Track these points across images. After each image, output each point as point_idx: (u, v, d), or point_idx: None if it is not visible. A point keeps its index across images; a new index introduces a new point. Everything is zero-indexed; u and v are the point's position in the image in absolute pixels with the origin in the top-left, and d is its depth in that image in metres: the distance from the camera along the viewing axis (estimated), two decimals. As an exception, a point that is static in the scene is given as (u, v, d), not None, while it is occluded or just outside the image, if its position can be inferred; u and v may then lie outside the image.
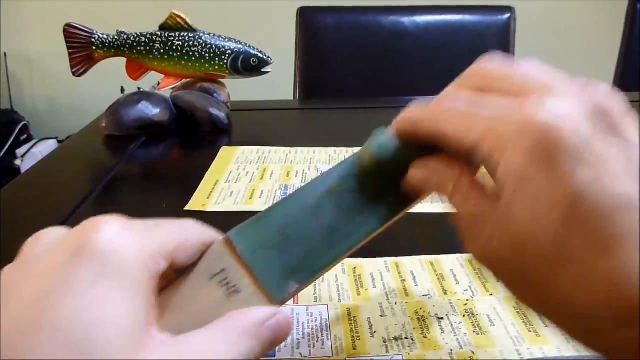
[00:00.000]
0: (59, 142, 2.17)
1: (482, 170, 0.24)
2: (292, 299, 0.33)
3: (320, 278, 0.41)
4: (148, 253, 0.21)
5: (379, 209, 0.27)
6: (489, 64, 0.25)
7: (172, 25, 0.77)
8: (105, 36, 0.78)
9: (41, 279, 0.19)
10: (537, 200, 0.20)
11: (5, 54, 2.21)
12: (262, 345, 0.22)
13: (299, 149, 0.69)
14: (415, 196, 0.27)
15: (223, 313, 0.22)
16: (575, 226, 0.20)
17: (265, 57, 0.79)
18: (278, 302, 0.24)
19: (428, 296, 0.39)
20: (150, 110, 0.75)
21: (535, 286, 0.21)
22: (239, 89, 0.94)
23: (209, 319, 0.22)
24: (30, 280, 0.19)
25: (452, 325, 0.36)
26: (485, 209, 0.23)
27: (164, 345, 0.20)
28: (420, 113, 0.25)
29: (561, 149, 0.20)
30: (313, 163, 0.65)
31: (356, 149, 0.75)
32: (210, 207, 0.54)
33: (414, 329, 0.35)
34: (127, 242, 0.20)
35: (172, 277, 0.24)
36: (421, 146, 0.26)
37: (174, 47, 0.77)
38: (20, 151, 2.08)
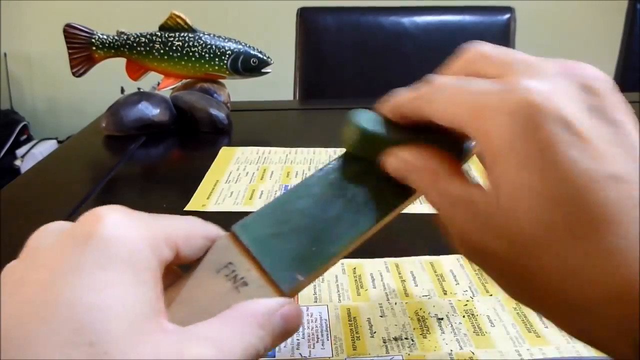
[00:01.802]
0: (59, 142, 2.17)
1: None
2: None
3: (320, 278, 0.41)
4: (154, 240, 0.20)
5: (380, 197, 0.27)
6: (474, 49, 0.25)
7: (172, 26, 0.77)
8: (105, 36, 0.78)
9: (49, 265, 0.19)
10: (524, 178, 0.20)
11: (5, 54, 2.21)
12: (272, 335, 0.22)
13: (299, 149, 0.69)
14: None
15: (231, 305, 0.22)
16: (562, 204, 0.19)
17: (265, 58, 0.79)
18: (287, 294, 0.23)
19: (428, 297, 0.39)
20: (150, 111, 0.75)
21: (526, 277, 0.21)
22: (239, 89, 0.94)
23: (217, 311, 0.22)
24: (38, 267, 0.19)
25: (452, 325, 0.36)
26: (468, 197, 0.22)
27: (173, 333, 0.19)
28: (406, 96, 0.25)
29: (546, 121, 0.19)
30: (313, 163, 0.65)
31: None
32: (210, 207, 0.54)
33: (414, 329, 0.35)
34: (132, 228, 0.20)
35: (178, 273, 0.24)
36: (406, 127, 0.26)
37: (174, 48, 0.77)
38: (20, 151, 2.08)
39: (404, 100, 0.25)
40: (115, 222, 0.20)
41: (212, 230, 0.24)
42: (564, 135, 0.19)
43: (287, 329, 0.22)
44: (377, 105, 0.27)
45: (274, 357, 0.33)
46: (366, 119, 0.27)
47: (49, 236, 0.21)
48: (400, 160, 0.25)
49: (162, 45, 0.77)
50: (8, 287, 0.19)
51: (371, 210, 0.26)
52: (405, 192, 0.27)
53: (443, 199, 0.24)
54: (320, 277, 0.41)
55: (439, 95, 0.23)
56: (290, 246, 0.25)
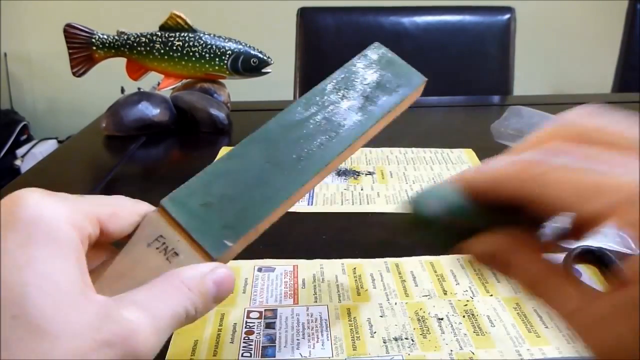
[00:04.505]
0: (59, 142, 2.17)
1: None
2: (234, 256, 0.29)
3: (320, 278, 0.41)
4: (75, 217, 0.21)
5: (313, 156, 0.28)
6: (581, 116, 0.20)
7: (172, 26, 0.77)
8: (105, 36, 0.78)
9: None
10: None
11: (5, 54, 2.21)
12: (204, 299, 0.22)
13: (299, 149, 0.69)
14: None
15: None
16: None
17: (265, 58, 0.79)
18: (217, 260, 0.25)
19: (428, 297, 0.39)
20: (150, 111, 0.75)
21: None
22: (239, 89, 0.94)
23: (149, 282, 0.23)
24: None
25: (452, 325, 0.36)
26: (597, 303, 0.18)
27: (100, 302, 0.20)
28: (507, 169, 0.20)
29: None
30: (313, 163, 0.64)
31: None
32: (210, 207, 0.54)
33: (414, 329, 0.35)
34: (51, 207, 0.21)
35: (112, 250, 0.25)
36: (489, 207, 0.21)
37: (174, 48, 0.77)
38: (20, 151, 2.08)
39: (498, 175, 0.20)
40: (33, 203, 0.20)
41: (142, 206, 0.25)
42: None
43: (219, 292, 0.23)
44: (453, 180, 0.22)
45: (274, 357, 0.33)
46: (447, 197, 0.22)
47: None
48: (495, 249, 0.21)
49: (162, 45, 0.77)
50: None
51: (302, 170, 0.28)
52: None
53: (562, 305, 0.19)
54: (320, 277, 0.41)
55: (556, 174, 0.18)
56: (219, 214, 0.26)
